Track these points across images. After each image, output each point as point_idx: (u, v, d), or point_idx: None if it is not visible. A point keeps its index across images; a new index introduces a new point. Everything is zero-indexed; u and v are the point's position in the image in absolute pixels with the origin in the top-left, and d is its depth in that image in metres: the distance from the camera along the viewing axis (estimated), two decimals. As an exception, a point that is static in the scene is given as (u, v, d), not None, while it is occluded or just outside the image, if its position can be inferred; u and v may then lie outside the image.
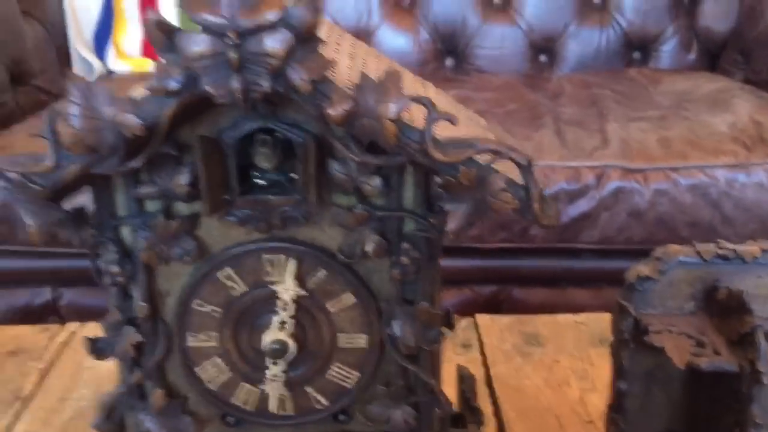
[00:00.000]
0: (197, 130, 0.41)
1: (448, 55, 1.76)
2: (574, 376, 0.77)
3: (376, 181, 0.41)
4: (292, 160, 0.43)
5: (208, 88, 0.35)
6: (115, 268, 0.43)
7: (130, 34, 1.70)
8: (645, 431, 0.62)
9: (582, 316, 0.89)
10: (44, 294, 1.29)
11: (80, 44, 1.67)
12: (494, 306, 1.28)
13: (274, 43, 0.35)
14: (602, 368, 0.78)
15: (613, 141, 1.23)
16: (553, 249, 1.24)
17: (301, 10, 0.34)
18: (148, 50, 1.71)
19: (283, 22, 0.35)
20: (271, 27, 0.35)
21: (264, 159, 0.42)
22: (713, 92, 1.44)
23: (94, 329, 0.87)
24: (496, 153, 0.37)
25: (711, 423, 0.58)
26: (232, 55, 0.35)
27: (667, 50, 1.75)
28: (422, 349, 0.46)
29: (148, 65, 1.70)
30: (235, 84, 0.35)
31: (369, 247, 0.43)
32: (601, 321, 0.88)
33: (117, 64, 1.70)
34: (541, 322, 0.89)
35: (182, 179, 0.41)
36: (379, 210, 0.43)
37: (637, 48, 1.76)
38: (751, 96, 1.40)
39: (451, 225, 0.38)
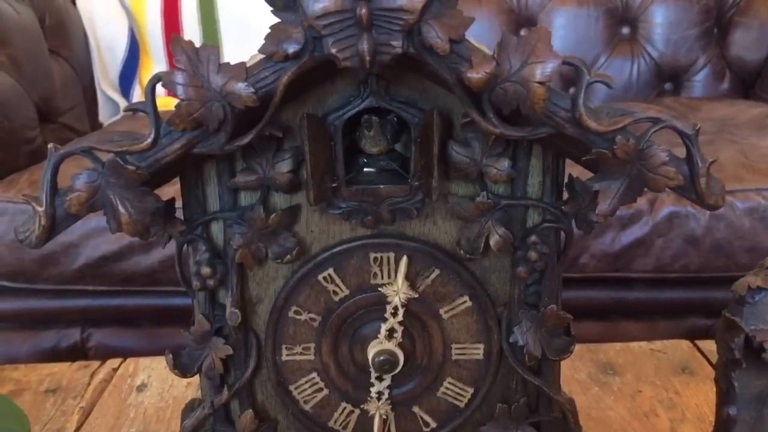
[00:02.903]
0: (301, 111, 0.36)
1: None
2: (661, 406, 0.72)
3: (504, 164, 0.37)
4: (405, 145, 0.38)
5: (333, 49, 0.31)
6: (206, 270, 0.38)
7: (155, 73, 1.69)
8: (755, 462, 0.57)
9: (658, 344, 0.84)
10: (72, 335, 1.24)
11: (106, 83, 1.66)
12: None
13: (409, -4, 0.30)
14: (689, 397, 0.73)
15: (663, 166, 1.19)
16: (605, 279, 1.18)
17: (438, -41, 0.30)
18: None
19: (419, -27, 0.30)
20: (406, -22, 0.30)
21: (371, 142, 0.38)
22: (756, 117, 1.41)
23: (135, 364, 0.83)
24: (657, 121, 0.32)
25: (835, 450, 0.53)
26: (362, 10, 0.30)
27: (700, 80, 1.73)
28: (546, 360, 0.41)
29: (173, 104, 1.68)
30: (364, 44, 0.31)
31: (493, 241, 0.38)
32: (679, 348, 0.83)
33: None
34: (614, 350, 0.84)
35: (284, 166, 0.37)
36: (503, 198, 0.38)
37: (668, 78, 1.74)
38: (798, 119, 1.36)
39: (603, 206, 0.33)
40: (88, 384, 0.79)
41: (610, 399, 0.74)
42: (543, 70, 0.31)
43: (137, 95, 1.68)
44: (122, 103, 1.67)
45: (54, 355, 1.22)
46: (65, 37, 1.53)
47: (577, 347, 0.84)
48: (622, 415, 0.70)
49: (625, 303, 1.22)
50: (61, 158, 0.33)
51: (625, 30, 1.73)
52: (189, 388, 0.77)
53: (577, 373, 0.79)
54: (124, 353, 1.03)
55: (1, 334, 1.23)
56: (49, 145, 0.33)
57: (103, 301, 1.20)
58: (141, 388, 0.78)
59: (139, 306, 1.20)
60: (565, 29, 1.72)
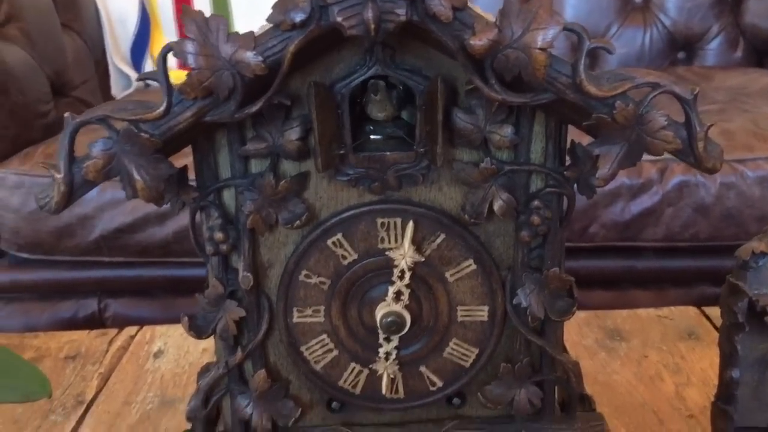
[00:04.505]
0: (309, 79, 0.37)
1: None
2: (666, 370, 0.73)
3: (507, 130, 0.38)
4: (410, 112, 0.39)
5: (339, 18, 0.32)
6: (219, 235, 0.39)
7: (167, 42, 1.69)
8: (758, 423, 0.58)
9: (665, 311, 0.86)
10: (90, 306, 1.26)
11: (117, 57, 1.67)
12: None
13: (413, -35, 0.31)
14: (695, 362, 0.74)
15: (673, 134, 1.19)
16: (614, 248, 1.19)
17: (441, -73, 0.31)
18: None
19: (422, -58, 0.31)
20: (409, -53, 0.31)
21: (378, 108, 0.39)
22: (769, 86, 1.40)
23: (151, 332, 0.85)
24: (656, 86, 0.33)
25: (836, 411, 0.54)
26: (367, -21, 0.31)
27: (713, 48, 1.72)
28: (549, 321, 0.42)
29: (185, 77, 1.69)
30: (369, 13, 0.32)
31: (497, 206, 0.39)
32: (686, 315, 0.84)
33: (154, 76, 1.69)
34: (621, 317, 0.86)
35: (293, 134, 0.38)
36: (507, 164, 0.39)
37: (681, 47, 1.73)
38: (812, 88, 1.35)
39: (603, 170, 0.34)
40: (107, 351, 0.82)
41: (616, 364, 0.75)
42: (544, 36, 0.32)
43: (149, 68, 1.69)
44: (134, 76, 1.68)
45: (72, 325, 1.25)
46: (77, 11, 1.53)
47: (585, 314, 0.86)
48: (628, 379, 0.72)
49: (635, 272, 1.23)
50: (77, 126, 0.34)
51: (639, -2, 1.72)
52: (204, 354, 0.79)
53: (584, 339, 0.80)
54: (140, 322, 1.05)
55: (20, 305, 1.26)
56: (66, 114, 0.34)
57: (119, 271, 1.22)
58: (158, 354, 0.80)
59: (154, 276, 1.23)
60: (579, -2, 1.71)
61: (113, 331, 0.86)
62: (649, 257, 1.21)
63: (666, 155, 1.10)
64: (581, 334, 0.81)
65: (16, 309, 1.25)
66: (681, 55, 1.74)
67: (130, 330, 0.86)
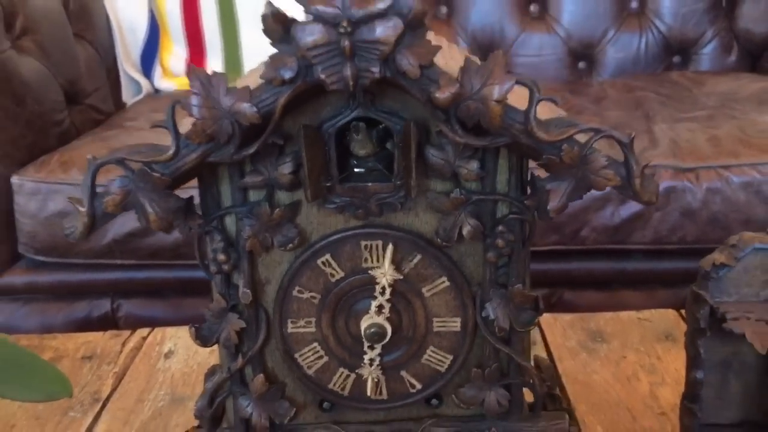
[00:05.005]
0: (299, 121, 0.43)
1: (486, 64, 1.78)
2: (643, 370, 0.77)
3: (474, 165, 0.43)
4: (388, 149, 0.44)
5: (322, 75, 0.37)
6: (221, 256, 0.45)
7: (175, 53, 1.75)
8: (721, 420, 0.62)
9: (645, 313, 0.90)
10: (103, 306, 1.31)
11: (128, 64, 1.72)
12: (546, 309, 1.28)
13: (385, 30, 0.36)
14: (670, 363, 0.78)
15: (662, 141, 1.23)
16: (605, 251, 1.24)
17: (409, -2, 0.36)
18: (193, 69, 1.75)
19: (393, 10, 0.36)
20: (382, 15, 0.36)
21: (359, 146, 0.44)
22: (759, 92, 1.44)
23: (162, 333, 0.90)
24: (597, 131, 0.38)
25: (791, 410, 0.58)
26: (345, 43, 0.36)
27: (707, 53, 1.76)
28: (515, 331, 0.47)
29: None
30: (348, 71, 0.37)
31: (466, 231, 0.44)
32: (665, 317, 0.88)
33: (163, 83, 1.75)
34: (603, 319, 0.90)
35: (285, 168, 0.43)
36: (474, 194, 0.44)
37: (676, 52, 1.76)
38: (799, 94, 1.39)
39: (553, 203, 0.39)
40: (120, 351, 0.86)
41: (596, 364, 0.79)
42: (500, 90, 0.37)
43: (158, 75, 1.75)
44: (144, 83, 1.73)
45: (86, 324, 1.30)
46: (89, 20, 1.59)
47: (570, 316, 0.91)
48: (606, 378, 0.76)
49: (625, 273, 1.27)
50: (98, 167, 0.39)
51: (634, 4, 1.75)
52: (212, 354, 0.83)
53: (567, 341, 0.84)
54: (152, 322, 1.11)
55: (36, 305, 1.31)
56: (88, 156, 0.39)
57: (131, 273, 1.27)
58: (168, 355, 0.85)
59: (165, 278, 1.27)
60: (575, 4, 1.75)
61: (126, 333, 0.91)
62: (638, 259, 1.25)
63: (654, 161, 1.14)
64: (565, 336, 0.86)
65: (33, 309, 1.31)
66: (676, 59, 1.77)
67: (142, 332, 0.91)
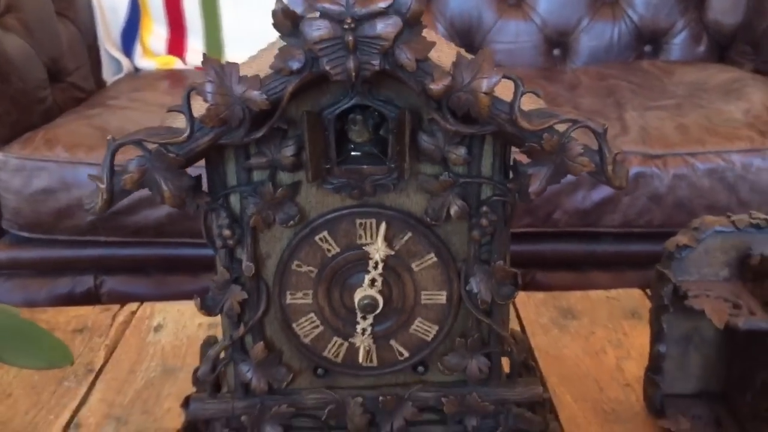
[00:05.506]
0: (302, 108, 0.46)
1: (464, 49, 1.81)
2: (610, 345, 0.82)
3: (461, 151, 0.47)
4: (383, 134, 0.48)
5: (327, 67, 0.41)
6: (226, 232, 0.48)
7: (155, 32, 1.75)
8: (681, 391, 0.67)
9: (613, 292, 0.94)
10: (86, 282, 1.33)
11: (109, 43, 1.73)
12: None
13: (385, 27, 0.40)
14: (635, 338, 0.83)
15: (632, 129, 1.28)
16: (576, 233, 1.29)
17: (408, -2, 0.40)
18: (173, 48, 1.76)
19: (393, 9, 0.40)
20: (383, 13, 0.40)
21: (357, 134, 0.48)
22: (726, 82, 1.50)
23: (151, 308, 0.93)
24: (575, 122, 0.42)
25: (745, 380, 0.63)
26: (349, 38, 0.40)
27: (678, 43, 1.81)
28: (496, 304, 0.52)
29: (173, 62, 1.75)
30: (351, 63, 0.41)
31: (453, 211, 0.48)
32: (632, 296, 0.93)
33: (143, 61, 1.76)
34: (574, 297, 0.94)
35: (288, 151, 0.47)
36: (461, 177, 0.48)
37: (648, 41, 1.81)
38: (763, 85, 1.45)
39: (533, 187, 0.44)
40: (111, 325, 0.88)
41: (567, 339, 0.83)
42: (488, 83, 0.41)
43: (139, 54, 1.76)
44: (124, 62, 1.74)
45: (69, 300, 1.31)
46: (71, -1, 1.59)
47: (542, 294, 0.96)
48: (576, 353, 0.80)
49: (595, 255, 1.32)
50: (117, 146, 0.42)
51: (608, -6, 1.80)
52: (200, 328, 0.86)
53: (540, 317, 0.89)
54: (135, 298, 1.12)
55: (20, 281, 1.32)
56: (108, 137, 0.42)
57: (114, 250, 1.29)
58: (157, 328, 0.87)
59: (148, 255, 1.30)
60: (551, -7, 1.79)
61: (116, 307, 0.93)
62: (607, 241, 1.30)
63: (624, 147, 1.19)
64: (538, 312, 0.90)
65: (16, 285, 1.32)
66: (647, 48, 1.82)
67: (132, 306, 0.93)
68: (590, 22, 1.79)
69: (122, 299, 1.25)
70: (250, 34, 1.76)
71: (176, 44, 1.76)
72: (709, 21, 1.79)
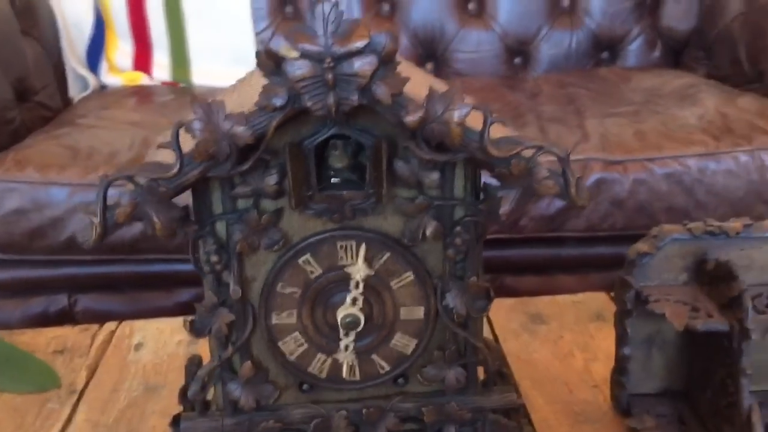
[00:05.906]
0: (284, 139, 0.49)
1: (427, 59, 1.85)
2: (578, 348, 0.85)
3: (435, 175, 0.50)
4: (361, 161, 0.51)
5: (308, 104, 0.43)
6: (214, 257, 0.51)
7: (121, 48, 1.75)
8: (646, 390, 0.71)
9: (579, 296, 0.98)
10: (60, 301, 1.33)
11: (74, 60, 1.72)
12: (489, 294, 1.36)
13: (362, 65, 0.43)
14: (602, 340, 0.86)
15: (592, 136, 1.33)
16: (542, 238, 1.32)
17: (383, 38, 0.43)
18: (139, 63, 1.77)
19: (369, 48, 0.43)
20: (360, 52, 0.43)
21: (337, 160, 0.50)
22: (680, 87, 1.55)
23: (130, 327, 0.93)
24: (540, 148, 0.45)
25: (705, 379, 0.66)
26: (329, 76, 0.43)
27: (633, 49, 1.86)
28: (471, 317, 0.55)
29: (140, 78, 1.75)
30: (330, 99, 0.43)
31: (428, 231, 0.51)
32: (597, 300, 0.96)
33: (110, 78, 1.76)
34: (542, 303, 0.97)
35: (271, 180, 0.49)
36: (436, 200, 0.51)
37: (605, 48, 1.86)
38: (716, 90, 1.51)
39: (503, 208, 0.47)
40: (90, 345, 0.88)
41: (536, 344, 0.86)
42: (459, 114, 0.44)
43: (105, 70, 1.75)
44: (90, 79, 1.74)
45: (44, 320, 1.31)
46: (35, 17, 1.58)
47: (512, 300, 0.99)
48: (545, 356, 0.83)
49: (561, 259, 1.36)
50: (109, 183, 0.45)
51: (566, 2, 1.84)
52: (180, 345, 0.87)
53: (510, 323, 0.92)
54: (109, 316, 1.13)
55: (-8, 302, 1.33)
56: (100, 174, 0.44)
57: (88, 269, 1.28)
58: (138, 347, 0.87)
59: (122, 272, 1.29)
60: (510, 2, 1.82)
61: (95, 327, 0.93)
62: (572, 245, 1.34)
63: (585, 154, 1.22)
64: (508, 318, 0.93)
65: (-11, 306, 1.32)
66: (605, 55, 1.87)
67: (111, 325, 0.93)
68: (549, 31, 1.83)
69: (97, 317, 1.25)
70: (215, 47, 1.79)
71: (142, 59, 1.77)
72: (663, 27, 1.85)
